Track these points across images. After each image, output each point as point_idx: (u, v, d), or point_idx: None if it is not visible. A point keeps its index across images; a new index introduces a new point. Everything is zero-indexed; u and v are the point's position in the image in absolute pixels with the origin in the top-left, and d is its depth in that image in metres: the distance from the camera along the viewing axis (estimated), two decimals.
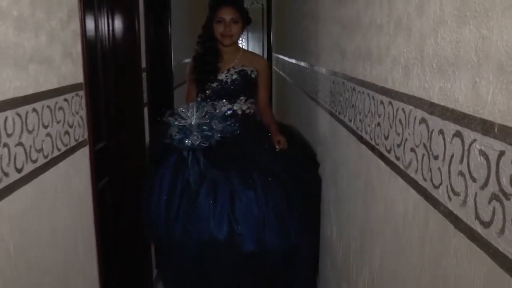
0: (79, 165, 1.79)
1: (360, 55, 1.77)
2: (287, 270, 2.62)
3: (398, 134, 1.33)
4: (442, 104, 1.05)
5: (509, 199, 0.79)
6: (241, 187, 2.49)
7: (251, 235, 2.46)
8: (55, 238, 1.57)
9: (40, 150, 1.42)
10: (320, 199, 2.69)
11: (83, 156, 1.82)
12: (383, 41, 1.48)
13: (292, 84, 4.36)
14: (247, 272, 2.57)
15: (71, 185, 1.71)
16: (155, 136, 2.86)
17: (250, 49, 8.18)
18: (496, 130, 0.83)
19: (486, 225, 0.86)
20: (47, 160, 1.47)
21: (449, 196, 1.01)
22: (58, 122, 1.55)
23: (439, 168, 1.06)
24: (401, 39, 1.32)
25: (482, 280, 0.88)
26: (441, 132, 1.05)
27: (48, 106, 1.48)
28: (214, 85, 2.89)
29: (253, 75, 2.95)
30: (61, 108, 1.58)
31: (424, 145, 1.15)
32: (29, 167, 1.35)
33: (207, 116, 2.62)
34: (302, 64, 3.57)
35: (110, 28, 2.54)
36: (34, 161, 1.39)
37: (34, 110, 1.38)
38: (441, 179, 1.05)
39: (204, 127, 2.59)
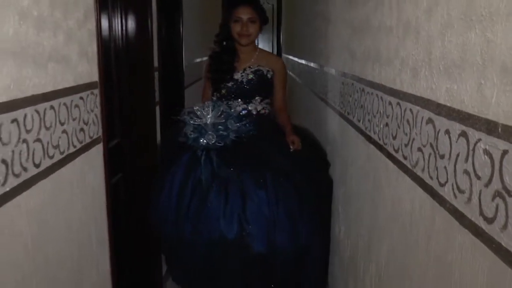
0: (94, 161, 1.82)
1: (369, 57, 1.79)
2: (298, 270, 2.58)
3: (406, 134, 1.36)
4: (448, 104, 1.08)
5: (511, 196, 0.82)
6: (252, 187, 2.45)
7: (261, 235, 2.43)
8: (71, 232, 1.61)
9: (56, 147, 1.45)
10: (331, 199, 2.67)
11: (97, 153, 1.85)
12: (392, 43, 1.51)
13: (302, 84, 4.37)
14: (256, 272, 2.53)
15: (86, 181, 1.74)
16: (169, 135, 2.83)
17: None
18: (500, 130, 0.86)
19: (490, 221, 0.89)
20: (63, 156, 1.50)
21: (454, 194, 1.04)
22: (74, 120, 1.58)
23: (445, 167, 1.09)
24: (409, 42, 1.35)
25: (486, 273, 0.91)
26: (447, 132, 1.08)
27: (65, 104, 1.51)
28: (230, 84, 2.86)
29: (269, 75, 2.90)
30: (77, 106, 1.61)
31: (431, 145, 1.17)
32: (46, 163, 1.38)
33: (222, 116, 2.59)
34: (312, 65, 3.59)
35: (124, 28, 2.57)
36: (51, 157, 1.41)
37: (52, 107, 1.41)
38: (447, 177, 1.08)
39: (220, 126, 2.56)
